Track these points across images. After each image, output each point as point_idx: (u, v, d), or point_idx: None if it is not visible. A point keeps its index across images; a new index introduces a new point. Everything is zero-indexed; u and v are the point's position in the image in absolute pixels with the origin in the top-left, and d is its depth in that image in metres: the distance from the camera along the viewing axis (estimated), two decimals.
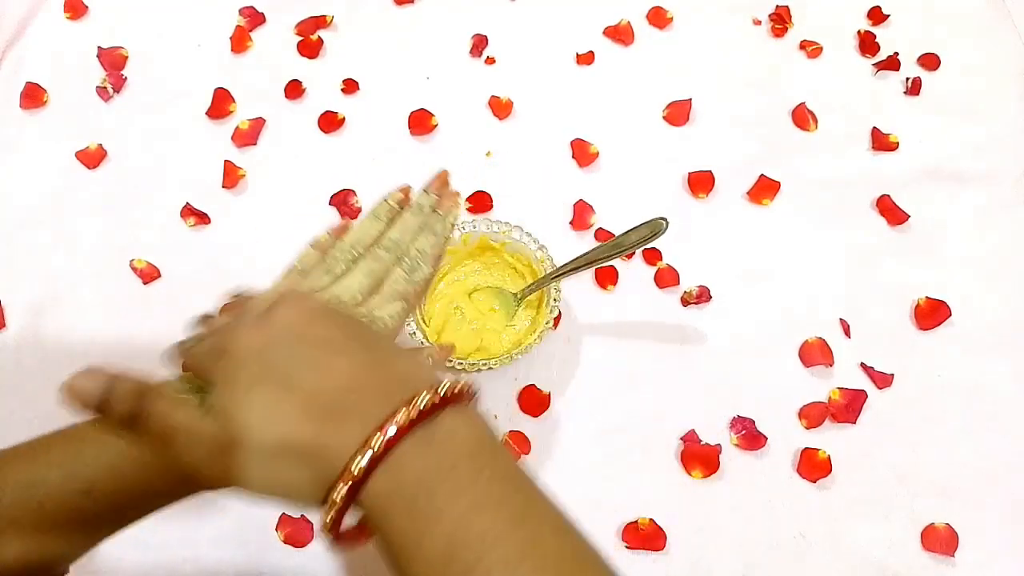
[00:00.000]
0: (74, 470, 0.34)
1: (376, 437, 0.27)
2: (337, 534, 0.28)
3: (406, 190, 0.45)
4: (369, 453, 0.27)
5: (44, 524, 0.34)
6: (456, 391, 0.29)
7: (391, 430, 0.27)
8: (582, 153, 0.66)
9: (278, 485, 0.29)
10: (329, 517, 0.28)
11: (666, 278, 0.61)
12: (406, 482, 0.27)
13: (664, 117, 0.69)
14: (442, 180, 0.46)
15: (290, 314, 0.31)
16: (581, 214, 0.64)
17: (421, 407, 0.28)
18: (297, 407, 0.28)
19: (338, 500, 0.27)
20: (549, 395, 0.57)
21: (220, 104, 0.69)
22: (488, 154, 0.67)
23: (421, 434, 0.28)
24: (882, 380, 0.57)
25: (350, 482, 0.27)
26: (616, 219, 0.63)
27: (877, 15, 0.73)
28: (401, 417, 0.27)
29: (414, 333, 0.54)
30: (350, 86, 0.70)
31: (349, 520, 0.28)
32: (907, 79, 0.70)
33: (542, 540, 0.27)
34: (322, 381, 0.29)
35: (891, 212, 0.64)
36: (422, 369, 0.31)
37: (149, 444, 0.31)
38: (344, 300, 0.40)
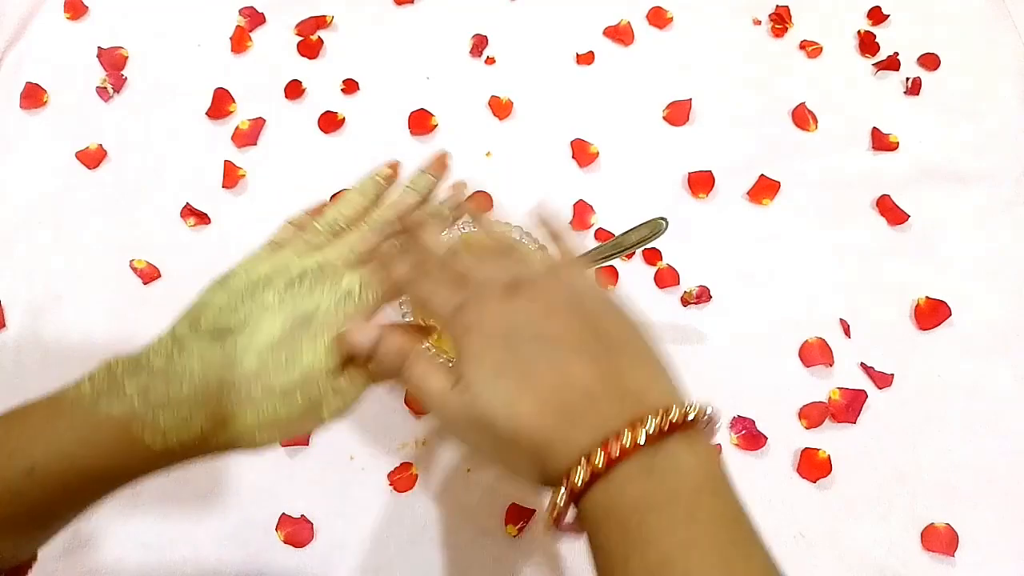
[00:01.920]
0: (17, 448, 0.32)
1: (598, 454, 0.28)
2: (557, 525, 0.30)
3: (395, 165, 0.44)
4: (586, 468, 0.28)
5: None
6: (690, 418, 0.29)
7: (615, 449, 0.28)
8: (582, 153, 0.67)
9: (504, 464, 0.32)
10: (551, 515, 0.29)
11: (666, 278, 0.61)
12: (622, 504, 0.28)
13: (664, 117, 0.69)
14: (440, 162, 0.44)
15: (535, 304, 0.33)
16: (581, 214, 0.64)
17: (649, 431, 0.28)
18: (535, 403, 0.30)
19: (559, 503, 0.29)
20: None
21: (220, 104, 0.69)
22: (488, 154, 0.67)
23: (644, 458, 0.28)
24: (882, 380, 0.57)
25: (570, 490, 0.28)
26: (616, 219, 0.63)
27: (877, 15, 0.73)
28: (627, 439, 0.28)
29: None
30: (350, 86, 0.70)
31: (569, 515, 0.30)
32: (907, 79, 0.70)
33: None
34: (561, 382, 0.30)
35: (891, 212, 0.64)
36: (659, 382, 0.31)
37: (407, 389, 0.35)
38: (320, 267, 0.38)
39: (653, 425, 0.28)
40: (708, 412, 0.30)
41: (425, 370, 0.33)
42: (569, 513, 0.30)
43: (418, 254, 0.38)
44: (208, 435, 0.34)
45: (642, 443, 0.28)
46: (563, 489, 0.28)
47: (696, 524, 0.27)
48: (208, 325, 0.37)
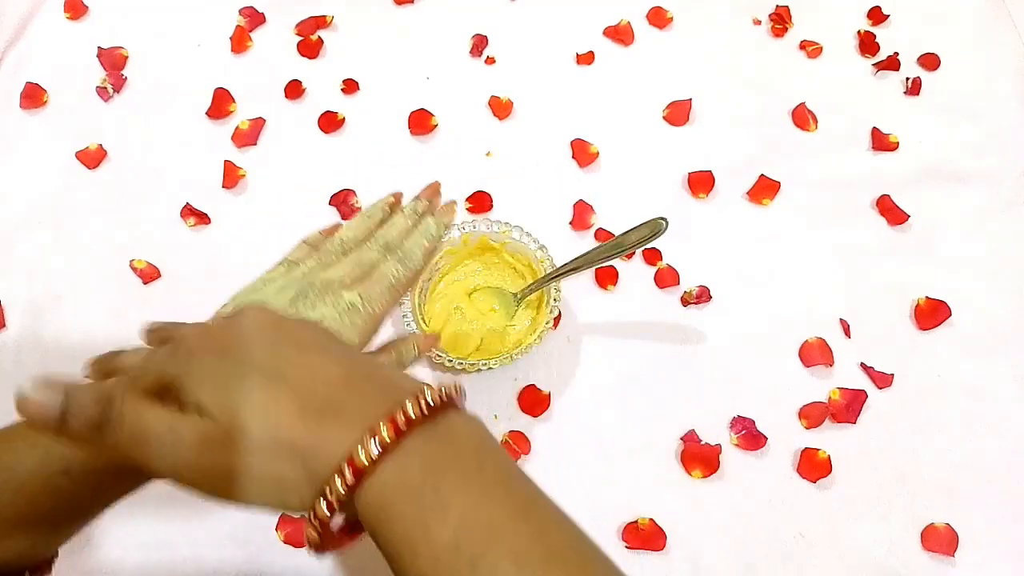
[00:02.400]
0: (50, 451, 0.33)
1: (383, 428, 0.26)
2: (327, 534, 0.27)
3: (398, 196, 0.48)
4: (372, 443, 0.26)
5: (25, 508, 0.34)
6: (452, 393, 0.29)
7: (400, 420, 0.27)
8: (582, 153, 0.66)
9: (269, 485, 0.27)
10: (320, 513, 0.26)
11: (666, 278, 0.61)
12: (412, 474, 0.26)
13: (664, 117, 0.69)
14: (433, 189, 0.48)
15: (259, 316, 0.30)
16: (581, 214, 0.64)
17: (431, 400, 0.27)
18: (289, 403, 0.27)
19: (340, 490, 0.26)
20: (549, 395, 0.57)
21: (220, 104, 0.69)
22: (488, 154, 0.67)
23: (426, 430, 0.27)
24: (882, 380, 0.57)
25: (350, 471, 0.26)
26: (616, 219, 0.63)
27: (877, 15, 0.73)
28: (412, 408, 0.27)
29: (414, 333, 0.54)
30: (350, 86, 0.70)
31: (336, 521, 0.28)
32: (907, 79, 0.70)
33: (548, 533, 0.27)
34: (313, 378, 0.28)
35: (891, 212, 0.64)
36: (405, 376, 0.31)
37: (120, 451, 0.28)
38: (326, 283, 0.41)
39: (430, 396, 0.27)
40: (460, 387, 0.30)
41: (141, 405, 0.28)
42: (337, 519, 0.27)
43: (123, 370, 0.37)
44: None
45: (427, 413, 0.27)
46: (339, 478, 0.26)
47: (487, 478, 0.27)
48: None
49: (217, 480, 0.27)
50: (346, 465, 0.26)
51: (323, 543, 0.28)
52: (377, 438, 0.26)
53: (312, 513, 0.27)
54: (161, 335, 0.38)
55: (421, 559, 0.26)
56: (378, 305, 0.41)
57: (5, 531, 0.34)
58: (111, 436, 0.28)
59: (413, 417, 0.27)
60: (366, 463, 0.26)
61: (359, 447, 0.26)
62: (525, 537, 0.26)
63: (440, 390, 0.28)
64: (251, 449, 0.27)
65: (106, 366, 0.37)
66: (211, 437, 0.27)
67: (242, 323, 0.30)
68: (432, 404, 0.27)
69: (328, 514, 0.26)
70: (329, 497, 0.26)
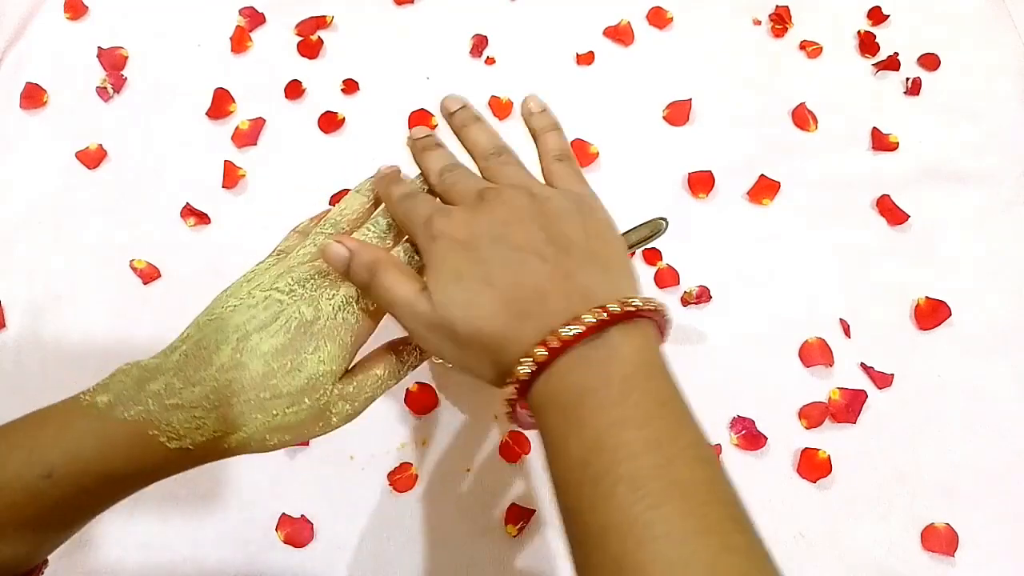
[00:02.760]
0: (33, 453, 0.33)
1: (538, 349, 0.30)
2: (512, 418, 0.33)
3: (395, 169, 0.44)
4: (530, 362, 0.30)
5: (5, 512, 0.33)
6: (632, 310, 0.31)
7: (553, 343, 0.30)
8: (582, 153, 0.66)
9: (466, 365, 0.34)
10: (503, 406, 0.32)
11: (666, 278, 0.61)
12: (561, 391, 0.30)
13: (664, 117, 0.69)
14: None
15: (500, 210, 0.35)
16: None
17: (588, 322, 0.30)
18: (491, 303, 0.32)
19: (508, 394, 0.31)
20: None
21: (220, 104, 0.69)
22: None
23: (584, 349, 0.30)
24: (882, 380, 0.57)
25: (516, 383, 0.31)
26: (616, 219, 0.63)
27: (877, 15, 0.73)
28: (567, 332, 0.30)
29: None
30: (350, 86, 0.70)
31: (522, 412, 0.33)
32: (907, 79, 0.70)
33: (674, 467, 0.29)
34: (515, 283, 0.32)
35: (891, 212, 0.64)
36: (610, 281, 0.33)
37: (378, 303, 0.36)
38: (322, 276, 0.38)
39: (592, 318, 0.30)
40: (653, 306, 0.32)
41: (393, 280, 0.35)
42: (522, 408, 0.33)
43: (411, 185, 0.41)
44: (220, 437, 0.34)
45: (579, 335, 0.30)
46: (509, 383, 0.31)
47: (627, 404, 0.30)
48: (222, 330, 0.37)
49: (430, 346, 0.34)
50: (519, 365, 0.31)
51: (512, 421, 0.34)
52: (542, 349, 0.30)
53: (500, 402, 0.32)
54: (442, 186, 0.40)
55: (559, 464, 0.30)
56: (373, 302, 0.39)
57: None
58: (372, 294, 0.36)
59: (574, 337, 0.30)
60: (524, 374, 0.31)
61: (526, 357, 0.31)
62: (647, 467, 0.28)
63: (606, 310, 0.31)
64: (455, 338, 0.33)
65: (417, 156, 0.42)
66: (431, 320, 0.33)
67: (482, 216, 0.35)
68: (595, 324, 0.30)
69: (507, 407, 0.32)
70: (511, 383, 0.31)
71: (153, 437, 0.33)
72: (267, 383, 0.35)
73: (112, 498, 0.35)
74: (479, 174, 0.40)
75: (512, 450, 0.55)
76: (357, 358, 0.38)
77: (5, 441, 0.34)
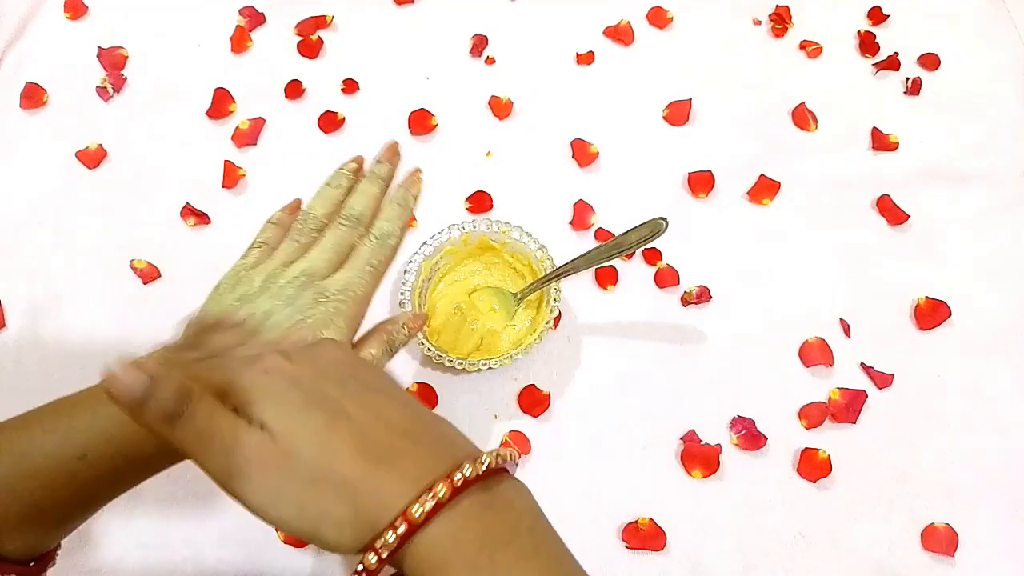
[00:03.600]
0: (67, 436, 0.34)
1: (440, 486, 0.26)
2: None
3: (359, 160, 0.47)
4: (429, 499, 0.26)
5: (39, 493, 0.34)
6: (507, 459, 0.29)
7: (457, 479, 0.26)
8: (582, 153, 0.67)
9: (311, 515, 0.27)
10: (368, 564, 0.26)
11: (666, 278, 0.61)
12: (467, 539, 0.26)
13: (664, 117, 0.69)
14: (392, 150, 0.47)
15: (336, 353, 0.32)
16: (581, 214, 0.64)
17: (486, 465, 0.27)
18: (350, 441, 0.27)
19: (391, 543, 0.26)
20: (549, 395, 0.57)
21: (220, 104, 0.69)
22: (488, 154, 0.67)
23: (481, 495, 0.27)
24: (882, 380, 0.57)
25: (404, 526, 0.26)
26: (616, 219, 0.63)
27: (877, 15, 0.73)
28: (468, 470, 0.27)
29: (403, 312, 0.54)
30: (350, 86, 0.70)
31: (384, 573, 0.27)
32: (907, 79, 0.70)
33: None
34: (376, 421, 0.28)
35: (891, 212, 0.64)
36: (463, 436, 0.31)
37: (182, 445, 0.28)
38: (312, 271, 0.41)
39: (488, 460, 0.27)
40: (517, 457, 0.30)
41: (211, 409, 0.28)
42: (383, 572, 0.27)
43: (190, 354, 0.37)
44: None
45: (480, 476, 0.27)
46: (391, 530, 0.26)
47: (540, 560, 0.27)
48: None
49: (263, 496, 0.27)
50: (401, 518, 0.26)
51: None
52: (432, 495, 0.26)
53: (360, 565, 0.27)
54: (234, 331, 0.38)
55: None
56: (360, 287, 0.41)
57: (17, 522, 0.34)
58: (180, 431, 0.28)
59: (470, 478, 0.27)
60: (420, 519, 0.26)
61: (415, 503, 0.26)
62: None
63: (497, 456, 0.28)
64: (302, 476, 0.27)
65: (190, 339, 0.38)
66: (268, 454, 0.27)
67: (319, 353, 0.31)
68: (488, 468, 0.27)
69: (376, 566, 0.26)
70: (378, 548, 0.26)
71: None
72: None
73: (140, 477, 0.36)
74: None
75: (513, 448, 0.55)
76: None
77: (40, 426, 0.35)
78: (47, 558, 0.37)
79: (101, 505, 0.37)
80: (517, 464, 0.30)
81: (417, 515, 0.26)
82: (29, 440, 0.35)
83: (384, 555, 0.26)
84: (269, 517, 0.27)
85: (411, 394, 0.33)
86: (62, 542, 0.38)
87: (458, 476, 0.26)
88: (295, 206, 0.46)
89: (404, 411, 0.29)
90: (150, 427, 0.28)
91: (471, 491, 0.27)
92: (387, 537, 0.26)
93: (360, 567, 0.26)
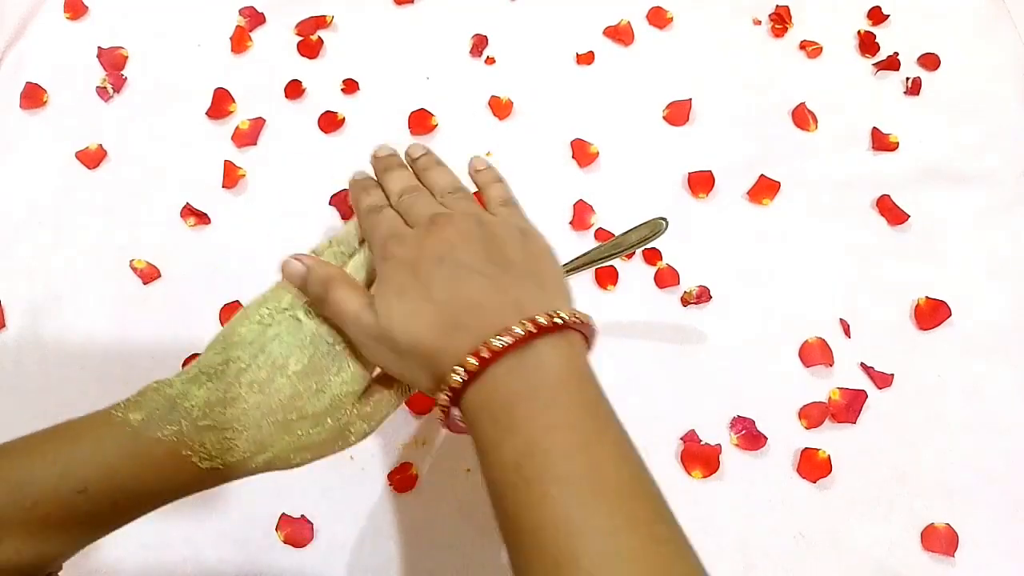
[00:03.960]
0: (68, 469, 0.34)
1: (469, 358, 0.32)
2: (445, 423, 0.35)
3: (367, 177, 0.48)
4: (462, 371, 0.32)
5: (38, 523, 0.33)
6: (560, 323, 0.33)
7: (484, 352, 0.32)
8: (582, 153, 0.67)
9: (405, 373, 0.36)
10: (441, 401, 0.34)
11: (666, 278, 0.61)
12: (493, 398, 0.32)
13: (664, 117, 0.69)
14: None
15: (448, 232, 0.37)
16: (581, 214, 0.64)
17: (518, 334, 0.32)
18: (429, 317, 0.34)
19: (441, 401, 0.33)
20: None
21: (220, 104, 0.69)
22: (488, 154, 0.67)
23: (515, 359, 0.32)
24: (882, 380, 0.57)
25: (449, 390, 0.33)
26: (616, 219, 0.63)
27: (877, 15, 0.73)
28: (497, 342, 0.32)
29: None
30: (350, 86, 0.70)
31: (455, 412, 0.35)
32: (907, 79, 0.70)
33: (602, 466, 0.31)
34: (452, 297, 0.34)
35: (891, 212, 0.64)
36: (544, 296, 0.35)
37: (331, 318, 0.38)
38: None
39: (522, 330, 0.32)
40: (579, 319, 0.34)
41: (344, 295, 0.37)
42: (456, 413, 0.34)
43: (379, 197, 0.44)
44: (249, 457, 0.36)
45: (508, 346, 0.32)
46: (441, 391, 0.33)
47: (556, 410, 0.32)
48: (239, 347, 0.39)
49: (373, 356, 0.37)
50: (452, 374, 0.33)
51: (445, 427, 0.36)
52: (474, 359, 0.32)
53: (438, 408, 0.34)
54: (419, 168, 0.46)
55: (494, 468, 0.32)
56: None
57: (12, 549, 0.33)
58: (326, 309, 0.38)
59: (503, 347, 0.32)
60: (457, 383, 0.32)
61: (458, 367, 0.32)
62: (579, 467, 0.30)
63: (534, 321, 0.33)
64: (397, 348, 0.35)
65: (380, 174, 0.46)
66: (376, 332, 0.35)
67: (429, 240, 0.37)
68: (524, 335, 0.32)
69: (440, 413, 0.34)
70: (444, 390, 0.33)
71: (186, 457, 0.34)
72: (294, 404, 0.36)
73: (141, 512, 0.36)
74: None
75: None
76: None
77: (40, 456, 0.34)
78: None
79: (98, 537, 0.36)
80: (584, 321, 0.35)
81: (453, 379, 0.33)
82: (30, 470, 0.34)
83: (444, 402, 0.34)
84: (380, 365, 0.37)
85: (505, 254, 0.37)
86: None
87: (485, 351, 0.32)
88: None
89: (481, 284, 0.35)
90: (314, 304, 0.38)
91: (510, 354, 0.32)
92: (445, 390, 0.33)
93: (436, 413, 0.35)
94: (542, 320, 0.33)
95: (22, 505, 0.33)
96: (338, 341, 0.38)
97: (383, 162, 0.46)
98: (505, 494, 0.31)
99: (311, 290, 0.38)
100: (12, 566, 0.33)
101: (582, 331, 0.35)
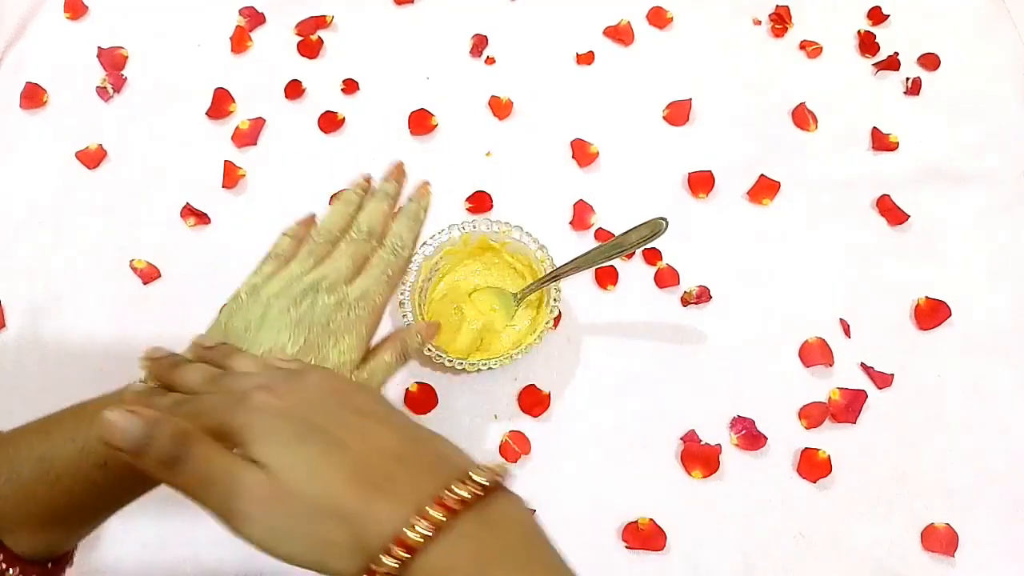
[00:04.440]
0: (88, 444, 0.35)
1: (433, 510, 0.26)
2: None
3: (368, 178, 0.50)
4: (424, 525, 0.26)
5: (61, 499, 0.35)
6: (500, 474, 0.29)
7: (451, 501, 0.27)
8: (582, 153, 0.67)
9: (314, 546, 0.27)
10: None
11: (666, 278, 0.61)
12: (463, 560, 0.26)
13: (664, 117, 0.69)
14: (399, 170, 0.50)
15: (327, 380, 0.32)
16: (581, 214, 0.64)
17: (484, 483, 0.28)
18: (345, 470, 0.28)
19: (390, 567, 0.26)
20: (549, 395, 0.57)
21: (220, 104, 0.69)
22: (488, 154, 0.67)
23: (477, 514, 0.27)
24: (882, 380, 0.57)
25: (401, 550, 0.26)
26: (616, 219, 0.63)
27: (877, 15, 0.73)
28: (462, 491, 0.27)
29: (416, 323, 0.54)
30: (350, 86, 0.70)
31: None
32: (907, 79, 0.70)
33: None
34: (369, 447, 0.29)
35: (891, 212, 0.64)
36: (457, 451, 0.31)
37: (182, 489, 0.29)
38: (331, 279, 0.42)
39: (484, 479, 0.28)
40: (511, 471, 0.30)
41: (209, 451, 0.28)
42: None
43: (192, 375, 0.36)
44: None
45: (475, 496, 0.27)
46: (389, 555, 0.26)
47: (535, 571, 0.28)
48: (236, 342, 0.40)
49: (267, 533, 0.28)
50: (394, 544, 0.26)
51: None
52: (426, 519, 0.26)
53: None
54: (218, 358, 0.37)
55: None
56: (378, 296, 0.43)
57: (37, 525, 0.35)
58: (180, 476, 0.28)
59: (465, 498, 0.27)
60: (417, 543, 0.26)
61: (409, 526, 0.26)
62: None
63: (491, 471, 0.28)
64: (302, 510, 0.27)
65: (166, 375, 0.36)
66: (267, 492, 0.27)
67: (306, 383, 0.31)
68: (484, 485, 0.27)
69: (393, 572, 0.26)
70: (385, 565, 0.26)
71: None
72: None
73: (154, 485, 0.37)
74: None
75: (512, 450, 0.55)
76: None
77: (61, 433, 0.35)
78: (64, 559, 0.38)
79: (118, 509, 0.38)
80: (510, 476, 0.30)
81: (411, 539, 0.26)
82: (51, 447, 0.35)
83: (393, 567, 0.26)
84: (276, 553, 0.28)
85: (402, 414, 0.32)
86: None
87: (450, 497, 0.27)
88: (309, 220, 0.48)
89: (397, 434, 0.30)
90: (150, 472, 0.28)
91: (467, 512, 0.27)
92: (386, 561, 0.26)
93: None
94: (499, 473, 0.29)
95: (45, 480, 0.34)
96: (333, 321, 0.40)
97: (159, 364, 0.37)
98: None
99: (156, 453, 0.28)
100: (34, 545, 0.35)
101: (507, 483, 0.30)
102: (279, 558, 0.28)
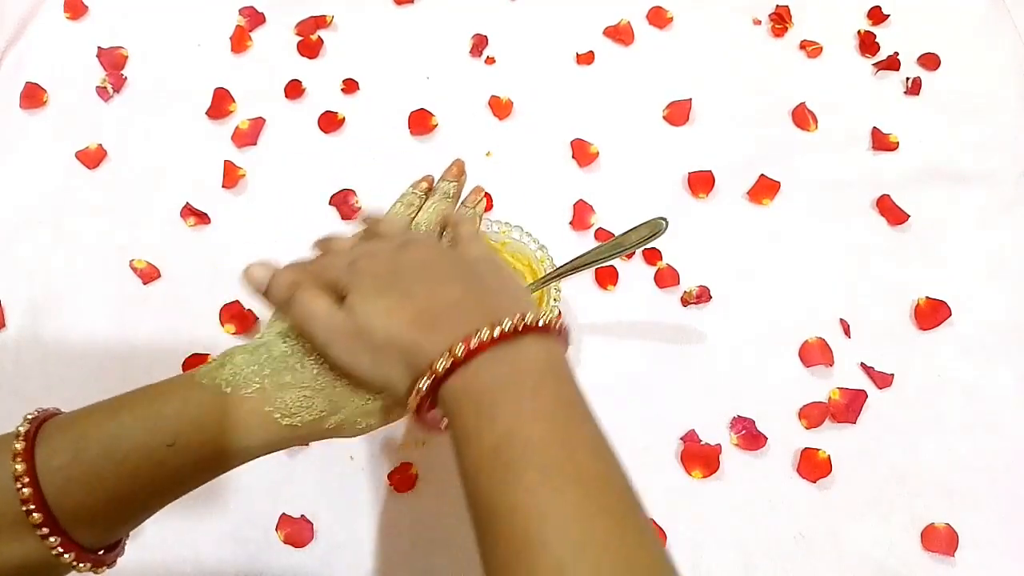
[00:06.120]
0: (158, 423, 0.35)
1: (458, 346, 0.33)
2: (419, 417, 0.35)
3: (429, 179, 0.50)
4: (449, 357, 0.33)
5: (127, 479, 0.34)
6: (542, 324, 0.34)
7: (473, 342, 0.33)
8: (582, 153, 0.67)
9: (379, 371, 0.35)
10: (414, 401, 0.34)
11: (666, 278, 0.61)
12: (477, 386, 0.33)
13: (664, 117, 0.69)
14: (459, 168, 0.51)
15: (420, 252, 0.39)
16: (581, 214, 0.64)
17: (505, 329, 0.33)
18: (409, 315, 0.35)
19: (423, 389, 0.33)
20: None
21: (220, 104, 0.69)
22: (488, 154, 0.67)
23: (500, 351, 0.33)
24: (882, 380, 0.57)
25: (433, 377, 0.33)
26: (616, 219, 0.63)
27: (877, 15, 0.73)
28: (484, 334, 0.33)
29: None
30: (350, 86, 0.70)
31: (432, 413, 0.35)
32: (907, 79, 0.70)
33: (579, 457, 0.32)
34: (434, 300, 0.36)
35: (891, 212, 0.64)
36: (519, 303, 0.37)
37: (293, 321, 0.38)
38: None
39: (509, 324, 0.33)
40: (560, 322, 0.36)
41: (311, 295, 0.37)
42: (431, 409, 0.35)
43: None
44: (324, 417, 0.37)
45: (496, 337, 0.33)
46: (425, 378, 0.33)
47: (538, 400, 0.33)
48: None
49: (347, 357, 0.36)
50: (430, 370, 0.33)
51: (418, 421, 0.37)
52: (450, 353, 0.33)
53: (411, 399, 0.34)
54: (339, 243, 0.44)
55: (471, 452, 0.32)
56: None
57: (100, 509, 0.34)
58: (291, 311, 0.38)
59: (488, 339, 0.33)
60: (444, 371, 0.33)
61: (443, 356, 0.33)
62: (556, 456, 0.31)
63: (523, 318, 0.34)
64: (372, 344, 0.35)
65: (323, 244, 0.45)
66: (350, 328, 0.36)
67: (401, 253, 0.38)
68: (509, 331, 0.33)
69: (418, 401, 0.34)
70: (420, 385, 0.33)
71: (268, 414, 0.36)
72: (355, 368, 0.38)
73: (221, 469, 0.37)
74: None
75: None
76: None
77: (129, 413, 0.36)
78: (116, 548, 0.38)
79: (179, 494, 0.37)
80: (563, 326, 0.36)
81: (439, 367, 0.33)
82: (119, 425, 0.35)
83: (423, 393, 0.34)
84: (353, 373, 0.36)
85: (487, 265, 0.39)
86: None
87: (474, 340, 0.33)
88: (374, 218, 0.48)
89: (462, 288, 0.36)
90: (276, 306, 0.39)
91: (491, 349, 0.33)
92: (424, 381, 0.33)
93: (412, 403, 0.34)
94: (528, 318, 0.34)
95: (113, 458, 0.34)
96: None
97: (321, 244, 0.45)
98: (480, 477, 0.32)
99: (274, 295, 0.39)
100: (97, 529, 0.35)
101: (561, 335, 0.37)
102: (357, 377, 0.36)
